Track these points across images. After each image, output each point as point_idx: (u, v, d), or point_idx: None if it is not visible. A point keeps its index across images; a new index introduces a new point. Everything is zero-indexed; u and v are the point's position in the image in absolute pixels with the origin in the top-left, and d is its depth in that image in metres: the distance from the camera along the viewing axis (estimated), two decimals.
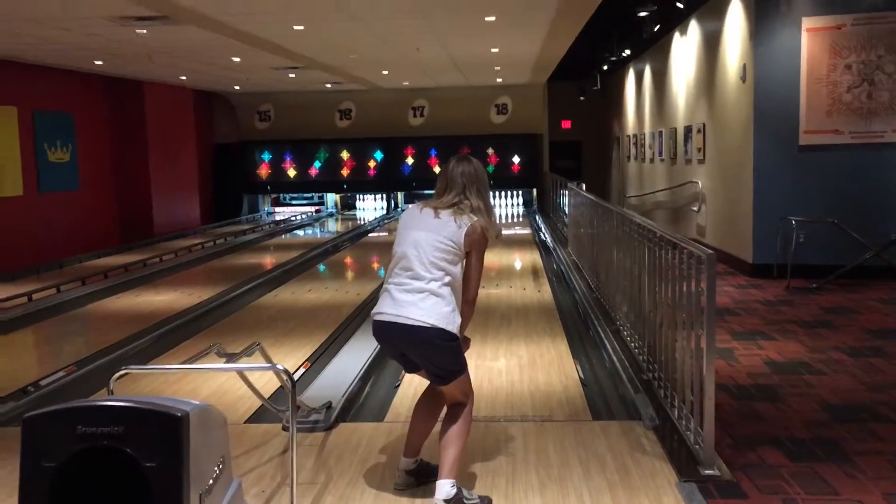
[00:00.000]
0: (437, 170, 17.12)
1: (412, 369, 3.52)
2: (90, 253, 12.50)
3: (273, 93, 18.46)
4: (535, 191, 19.52)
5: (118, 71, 13.64)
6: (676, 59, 13.26)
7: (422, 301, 3.25)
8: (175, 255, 12.09)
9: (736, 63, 9.66)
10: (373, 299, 3.50)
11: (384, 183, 19.44)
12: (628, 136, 18.48)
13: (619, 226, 6.28)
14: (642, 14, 11.99)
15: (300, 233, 16.64)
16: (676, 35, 13.11)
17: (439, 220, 3.34)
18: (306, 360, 5.94)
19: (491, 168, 18.80)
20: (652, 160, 15.35)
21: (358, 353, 6.01)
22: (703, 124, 11.31)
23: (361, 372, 5.42)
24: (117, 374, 3.24)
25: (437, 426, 3.47)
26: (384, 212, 19.61)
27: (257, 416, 4.68)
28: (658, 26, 12.55)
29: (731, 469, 3.70)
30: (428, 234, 3.32)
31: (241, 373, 4.24)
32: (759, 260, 9.03)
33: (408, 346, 3.34)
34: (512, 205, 19.87)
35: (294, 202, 20.44)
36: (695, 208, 11.71)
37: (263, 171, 19.43)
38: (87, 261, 11.93)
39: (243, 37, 10.15)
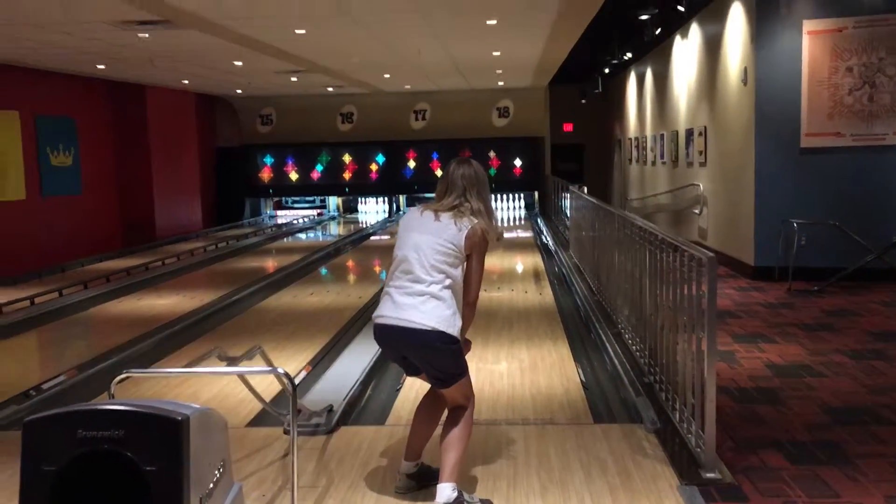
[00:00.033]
0: (438, 173, 17.11)
1: (413, 372, 3.52)
2: (92, 256, 12.51)
3: (275, 96, 18.49)
4: (536, 194, 19.52)
5: (120, 75, 13.67)
6: (678, 63, 13.27)
7: (422, 304, 3.25)
8: (177, 259, 12.10)
9: (737, 66, 9.66)
10: (374, 302, 3.50)
11: (386, 186, 19.46)
12: (630, 139, 18.49)
13: (620, 229, 6.28)
14: (643, 17, 12.01)
15: (302, 236, 16.65)
16: (677, 38, 13.12)
17: (440, 222, 3.35)
18: (308, 364, 5.95)
19: (493, 171, 18.82)
20: (653, 163, 15.35)
21: (359, 357, 6.01)
22: (705, 127, 11.31)
23: (363, 375, 5.43)
24: (118, 378, 3.25)
25: (439, 430, 3.47)
26: (386, 215, 19.62)
27: (259, 420, 4.68)
28: (659, 30, 12.57)
29: (733, 472, 3.70)
30: (428, 238, 3.32)
31: (242, 376, 4.24)
32: (761, 262, 9.02)
33: (409, 349, 3.34)
34: (513, 208, 19.88)
35: (296, 205, 20.46)
36: (696, 211, 11.71)
37: (265, 175, 19.46)
38: (89, 264, 11.95)
39: (245, 41, 10.16)
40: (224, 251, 13.34)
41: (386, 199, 19.96)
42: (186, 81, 15.08)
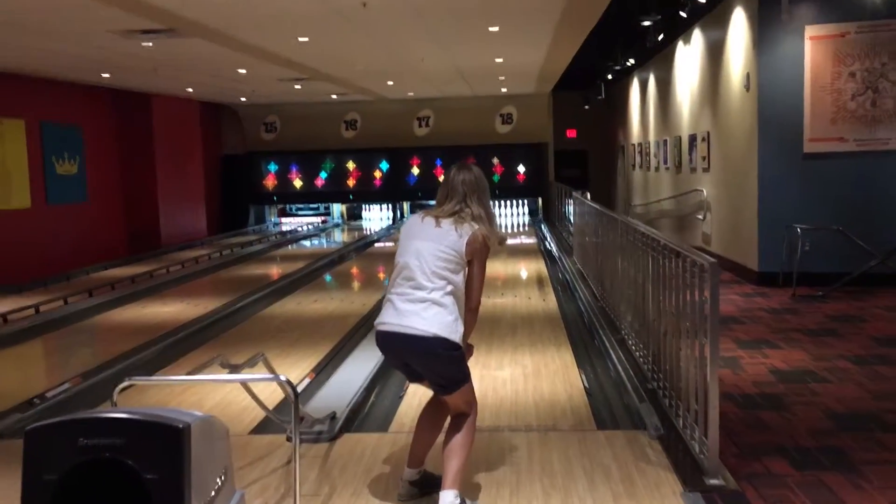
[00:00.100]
0: (442, 179, 17.14)
1: (416, 379, 3.52)
2: (98, 264, 12.54)
3: (279, 104, 18.54)
4: (540, 200, 19.53)
5: (125, 84, 13.73)
6: (680, 68, 13.28)
7: (424, 310, 3.26)
8: (182, 266, 12.13)
9: (739, 71, 9.66)
10: (378, 309, 3.49)
11: (390, 193, 19.49)
12: (633, 144, 18.49)
13: (622, 234, 6.28)
14: (646, 24, 12.01)
15: (306, 243, 16.67)
16: (680, 44, 13.13)
17: (440, 229, 3.35)
18: (311, 371, 5.95)
19: (496, 177, 18.84)
20: (657, 169, 15.35)
21: (363, 364, 6.01)
22: (708, 133, 11.31)
23: (366, 382, 5.42)
24: (121, 386, 3.25)
25: (441, 436, 3.47)
26: (390, 222, 19.64)
27: (262, 427, 4.68)
28: (662, 36, 12.57)
29: (737, 478, 3.68)
30: (429, 244, 3.32)
31: (244, 384, 4.24)
32: (765, 268, 9.01)
33: (411, 355, 3.34)
34: (517, 214, 19.88)
35: (300, 213, 20.50)
36: (700, 216, 11.69)
37: (270, 182, 19.51)
38: (94, 272, 11.98)
39: (248, 49, 10.21)
40: (228, 259, 13.37)
41: (390, 205, 19.99)
42: (191, 90, 15.14)
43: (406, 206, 19.72)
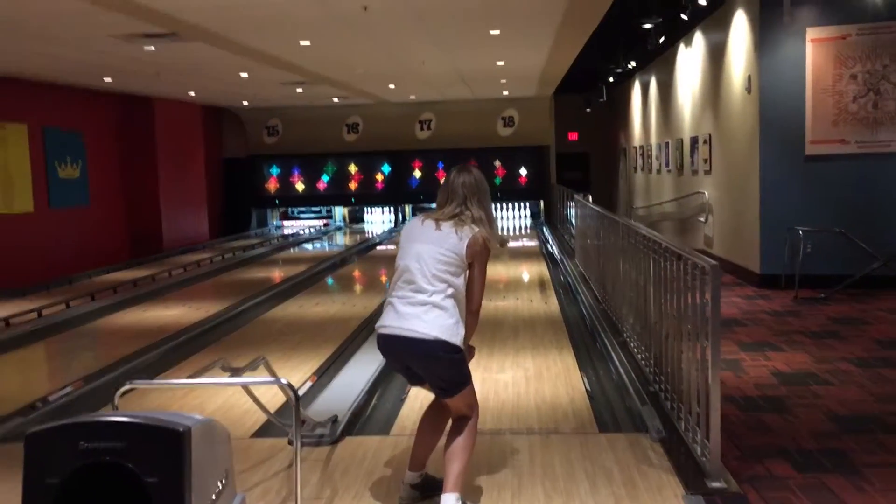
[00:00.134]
0: (442, 182, 17.15)
1: (417, 382, 3.52)
2: (100, 268, 12.56)
3: (281, 108, 18.57)
4: (542, 203, 19.54)
5: (127, 88, 13.76)
6: (682, 71, 13.28)
7: (425, 314, 3.26)
8: (184, 270, 12.14)
9: (741, 74, 9.66)
10: (380, 312, 3.49)
11: (392, 196, 19.50)
12: (635, 147, 18.49)
13: (624, 237, 6.27)
14: (647, 26, 12.02)
15: (308, 246, 16.68)
16: (681, 47, 13.14)
17: (441, 231, 3.35)
18: (313, 374, 5.95)
19: (498, 180, 18.85)
20: (659, 171, 15.34)
21: (364, 367, 6.01)
22: (709, 135, 11.31)
23: (368, 385, 5.43)
24: (122, 390, 3.25)
25: (443, 440, 3.47)
26: (392, 225, 19.65)
27: (263, 431, 4.68)
28: (663, 38, 12.58)
29: (739, 481, 3.68)
30: (430, 247, 3.32)
31: (246, 387, 4.25)
32: (767, 270, 9.00)
33: (412, 358, 3.34)
34: (519, 217, 19.88)
35: (302, 216, 20.52)
36: (702, 219, 11.69)
37: (272, 186, 19.53)
38: (96, 276, 11.99)
39: (250, 53, 10.23)
40: (230, 262, 13.38)
41: (392, 208, 20.00)
42: (193, 93, 15.17)
43: (408, 208, 19.73)
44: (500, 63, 12.28)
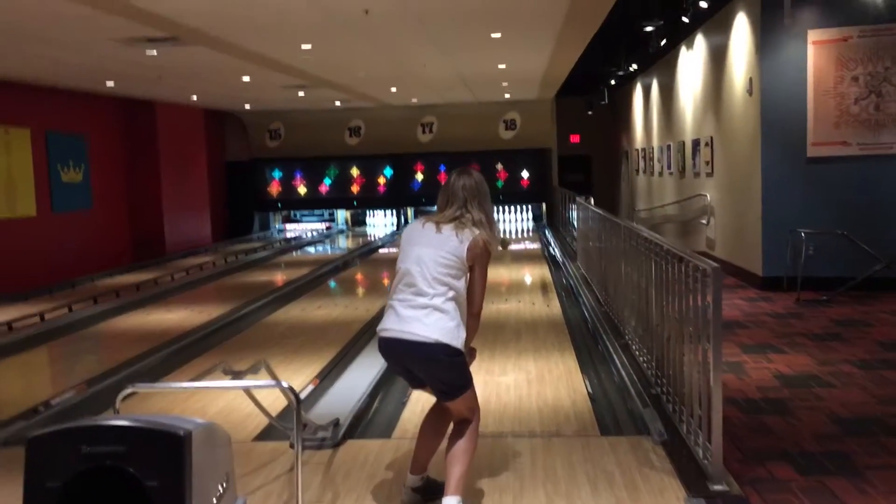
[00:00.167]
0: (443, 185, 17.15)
1: (418, 385, 3.52)
2: (102, 272, 12.58)
3: (283, 111, 18.59)
4: (544, 205, 19.53)
5: (130, 92, 13.78)
6: (683, 73, 13.28)
7: (426, 317, 3.26)
8: (186, 273, 12.15)
9: (742, 76, 9.66)
10: (382, 315, 3.50)
11: (394, 199, 19.51)
12: (637, 149, 18.49)
13: (626, 240, 6.27)
14: (648, 29, 12.01)
15: (311, 249, 16.69)
16: (683, 49, 13.14)
17: (441, 234, 3.35)
18: (315, 377, 5.96)
19: (500, 183, 18.85)
20: (660, 174, 15.34)
21: (366, 370, 6.01)
22: (711, 137, 11.31)
23: (369, 388, 5.43)
24: (123, 393, 3.26)
25: (444, 443, 3.47)
26: (394, 228, 19.65)
27: (265, 434, 4.68)
28: (664, 41, 12.56)
29: (741, 484, 3.67)
30: (430, 250, 3.32)
31: (247, 391, 4.25)
32: (769, 272, 8.99)
33: (413, 361, 3.35)
34: (521, 220, 19.88)
35: (305, 219, 20.53)
36: (704, 221, 11.68)
37: (274, 189, 19.56)
38: (99, 279, 12.01)
39: (251, 56, 10.24)
40: (233, 265, 13.39)
41: (394, 211, 20.01)
42: (195, 97, 15.19)
43: (410, 212, 19.73)
44: (502, 66, 12.29)
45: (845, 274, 8.48)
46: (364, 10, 7.68)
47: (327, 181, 19.50)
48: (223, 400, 5.33)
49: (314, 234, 19.22)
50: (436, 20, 8.55)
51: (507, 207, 19.54)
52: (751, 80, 9.30)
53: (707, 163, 11.51)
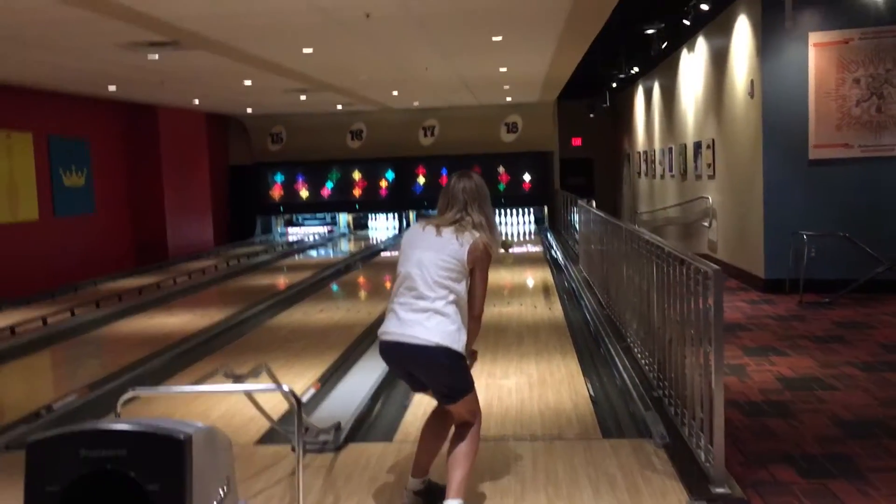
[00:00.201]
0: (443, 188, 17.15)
1: (419, 388, 3.52)
2: (105, 276, 12.59)
3: (285, 115, 18.62)
4: (546, 208, 19.52)
5: (132, 96, 13.81)
6: (684, 76, 13.29)
7: (427, 320, 3.26)
8: (189, 277, 12.16)
9: (743, 79, 9.66)
10: (383, 319, 3.50)
11: (396, 202, 19.52)
12: (638, 152, 18.49)
13: (627, 242, 6.27)
14: (649, 32, 12.03)
15: (313, 253, 16.70)
16: (684, 52, 13.14)
17: (441, 238, 3.35)
18: (316, 381, 5.95)
19: (502, 186, 18.84)
20: (662, 176, 15.34)
21: (368, 373, 6.01)
22: (713, 140, 11.30)
23: (371, 392, 5.43)
24: (124, 397, 3.26)
25: (446, 446, 3.47)
26: (396, 231, 19.65)
27: (267, 438, 4.68)
28: (665, 43, 12.59)
29: (743, 487, 3.66)
30: (431, 254, 3.32)
31: (249, 394, 4.25)
32: (771, 275, 8.98)
33: (414, 365, 3.35)
34: (523, 223, 19.87)
35: (307, 223, 20.54)
36: (706, 224, 11.68)
37: (276, 193, 19.57)
38: (101, 284, 12.01)
39: (252, 60, 10.26)
40: (235, 269, 13.40)
41: (396, 215, 20.01)
42: (197, 101, 15.21)
43: (412, 215, 19.73)
44: (503, 69, 12.30)
45: (847, 276, 8.47)
46: (365, 14, 7.69)
47: (329, 185, 19.52)
48: (225, 404, 5.34)
49: (316, 237, 19.22)
50: (437, 23, 8.56)
51: (508, 210, 19.52)
52: (752, 82, 9.30)
53: (709, 165, 11.51)
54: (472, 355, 3.50)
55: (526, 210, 19.83)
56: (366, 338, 7.44)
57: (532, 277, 11.58)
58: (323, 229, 20.17)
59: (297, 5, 7.28)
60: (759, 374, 5.70)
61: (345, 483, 3.87)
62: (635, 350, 5.93)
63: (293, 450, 4.25)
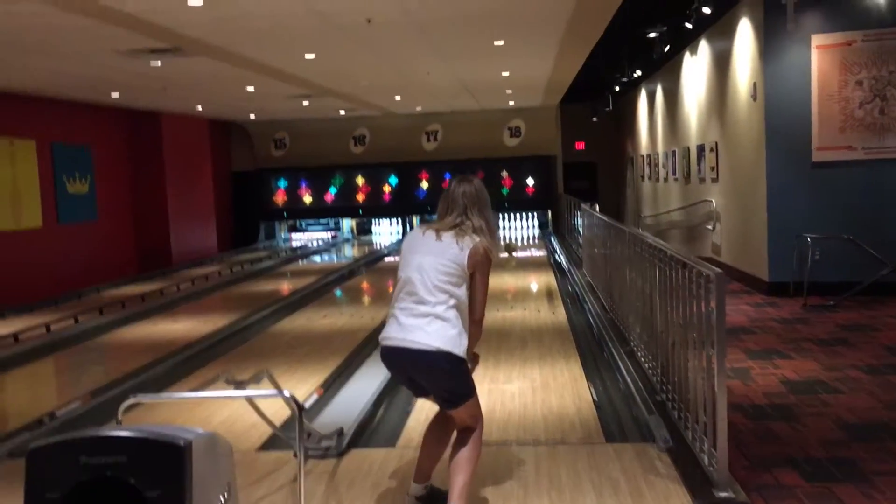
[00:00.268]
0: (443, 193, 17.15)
1: (421, 393, 3.51)
2: (108, 283, 12.61)
3: (288, 121, 18.65)
4: (549, 212, 19.51)
5: (135, 103, 13.85)
6: (687, 79, 13.28)
7: (428, 325, 3.25)
8: (192, 284, 12.17)
9: (746, 81, 9.65)
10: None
11: (399, 207, 19.53)
12: (642, 156, 18.48)
13: (630, 246, 6.26)
14: (652, 35, 12.03)
15: (316, 258, 16.71)
16: (687, 55, 13.14)
17: (441, 242, 3.35)
18: (319, 386, 5.95)
19: (505, 191, 18.83)
20: (666, 180, 15.32)
21: (371, 378, 6.00)
22: (716, 143, 11.29)
23: (374, 397, 5.42)
24: (126, 404, 3.26)
25: (448, 451, 3.46)
26: (400, 236, 19.65)
27: (270, 444, 4.67)
28: (668, 47, 12.59)
29: (746, 491, 3.65)
30: (431, 258, 3.32)
31: (250, 400, 4.24)
32: (775, 278, 8.96)
33: (415, 370, 3.34)
34: (527, 227, 19.86)
35: (310, 228, 20.55)
36: (709, 227, 11.66)
37: (280, 198, 19.59)
38: (105, 290, 12.03)
39: (254, 66, 10.28)
40: (239, 275, 13.40)
41: (399, 220, 20.02)
42: (200, 107, 15.25)
43: (415, 220, 19.73)
44: (506, 73, 12.30)
45: (852, 279, 8.44)
46: (366, 20, 7.70)
47: (332, 190, 19.54)
48: (227, 410, 5.33)
49: (320, 242, 19.24)
50: (438, 28, 8.57)
51: (512, 215, 19.51)
52: (755, 85, 9.29)
53: (712, 168, 11.50)
54: (473, 358, 3.49)
55: (529, 214, 19.81)
56: (369, 343, 7.43)
57: (535, 281, 11.56)
58: (326, 235, 20.18)
59: (297, 10, 7.29)
60: (763, 378, 5.68)
61: (347, 489, 3.86)
62: (638, 354, 5.91)
63: (295, 456, 4.24)
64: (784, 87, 8.89)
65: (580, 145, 22.42)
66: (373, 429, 5.00)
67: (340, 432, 4.54)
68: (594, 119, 20.91)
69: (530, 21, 8.39)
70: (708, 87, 11.73)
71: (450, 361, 3.24)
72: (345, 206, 19.62)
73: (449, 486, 3.29)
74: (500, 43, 9.47)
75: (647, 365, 5.56)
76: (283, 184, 19.54)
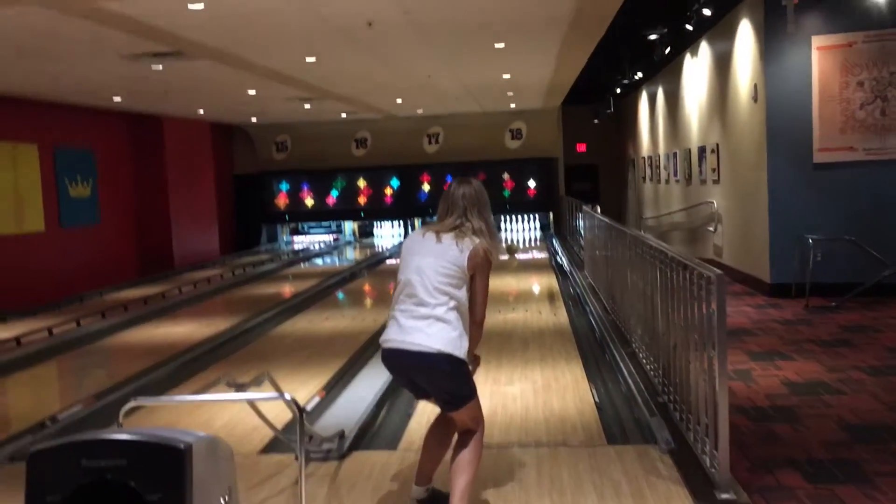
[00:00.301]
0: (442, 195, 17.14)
1: (422, 395, 3.51)
2: (111, 286, 12.61)
3: (290, 124, 18.67)
4: (551, 214, 19.50)
5: (137, 106, 13.87)
6: (688, 81, 13.28)
7: (428, 327, 3.25)
8: (194, 287, 12.18)
9: (747, 83, 9.65)
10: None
11: (401, 210, 19.54)
12: (643, 157, 18.47)
13: (631, 248, 6.26)
14: (652, 37, 12.04)
15: (318, 261, 16.71)
16: (687, 57, 13.14)
17: (441, 244, 3.35)
18: (321, 389, 5.95)
19: (507, 193, 18.83)
20: (667, 181, 15.32)
21: (372, 381, 6.00)
22: (717, 144, 11.29)
23: (375, 400, 5.42)
24: (126, 407, 3.26)
25: (449, 453, 3.46)
26: (401, 239, 19.66)
27: (271, 447, 4.67)
28: (669, 49, 12.60)
29: (748, 492, 3.65)
30: (431, 260, 3.32)
31: (251, 403, 4.24)
32: (777, 279, 8.95)
33: (416, 372, 3.34)
34: (528, 229, 19.86)
35: (312, 231, 20.57)
36: (711, 228, 11.65)
37: (281, 201, 19.61)
38: (107, 294, 12.04)
39: (255, 69, 10.29)
40: (241, 278, 13.41)
41: (401, 222, 20.03)
42: (202, 111, 15.27)
43: (417, 222, 19.73)
44: (507, 76, 12.31)
45: (853, 280, 8.43)
46: (367, 23, 7.71)
47: (334, 193, 19.55)
48: (228, 413, 5.33)
49: (322, 245, 19.25)
50: (439, 31, 8.58)
51: (513, 217, 19.51)
52: (756, 86, 9.29)
53: (713, 170, 11.49)
54: (474, 360, 3.49)
55: (531, 216, 19.80)
56: (371, 345, 7.43)
57: (537, 283, 11.56)
58: (328, 237, 20.19)
59: (298, 14, 7.30)
60: (765, 379, 5.67)
61: (348, 491, 3.86)
62: (640, 355, 5.91)
63: (296, 458, 4.24)
64: (785, 89, 8.89)
65: (581, 147, 22.42)
66: (374, 431, 5.00)
67: (342, 435, 4.54)
68: (595, 121, 20.92)
69: (531, 23, 8.40)
70: (709, 88, 11.73)
71: (451, 363, 3.24)
72: (346, 209, 19.64)
73: (450, 489, 3.29)
74: (501, 45, 9.48)
75: (648, 366, 5.55)
76: (284, 187, 19.56)
